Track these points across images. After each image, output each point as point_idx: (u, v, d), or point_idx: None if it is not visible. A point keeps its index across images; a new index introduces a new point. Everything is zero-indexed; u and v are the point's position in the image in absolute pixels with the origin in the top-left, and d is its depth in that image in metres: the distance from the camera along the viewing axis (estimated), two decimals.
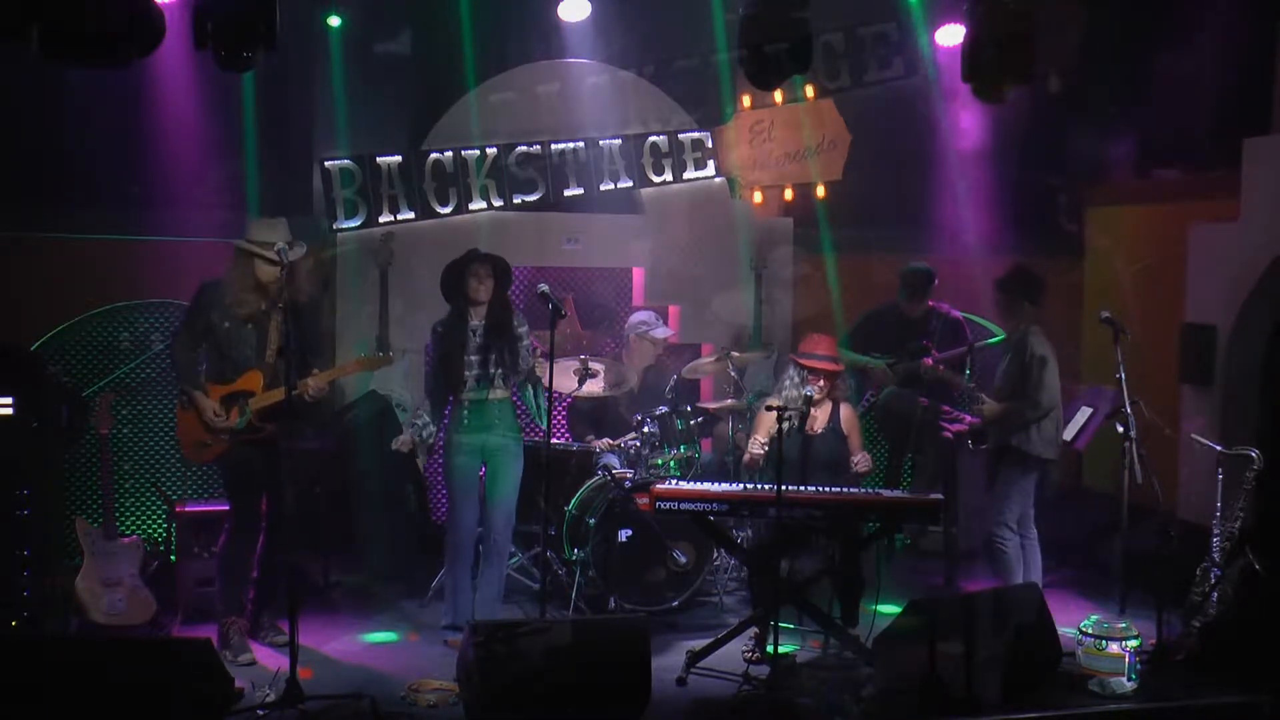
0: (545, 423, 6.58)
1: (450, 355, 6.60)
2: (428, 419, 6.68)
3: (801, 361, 6.79)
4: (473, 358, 6.60)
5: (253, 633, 6.45)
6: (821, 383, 6.73)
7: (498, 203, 8.30)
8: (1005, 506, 6.94)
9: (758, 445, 6.73)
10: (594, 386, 7.49)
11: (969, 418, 7.51)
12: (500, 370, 6.61)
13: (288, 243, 6.18)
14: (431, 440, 6.74)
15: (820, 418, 6.87)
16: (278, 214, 6.47)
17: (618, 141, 8.48)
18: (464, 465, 6.66)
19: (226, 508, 6.50)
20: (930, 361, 7.31)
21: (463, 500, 6.69)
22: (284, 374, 6.01)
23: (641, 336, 7.90)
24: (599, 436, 7.58)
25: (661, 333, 7.93)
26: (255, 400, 6.27)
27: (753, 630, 6.42)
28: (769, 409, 6.50)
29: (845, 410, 6.93)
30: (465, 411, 6.63)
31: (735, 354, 7.86)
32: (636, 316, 8.05)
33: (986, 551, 7.08)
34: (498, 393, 6.64)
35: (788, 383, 6.85)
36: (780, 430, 6.08)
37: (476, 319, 6.63)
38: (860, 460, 6.74)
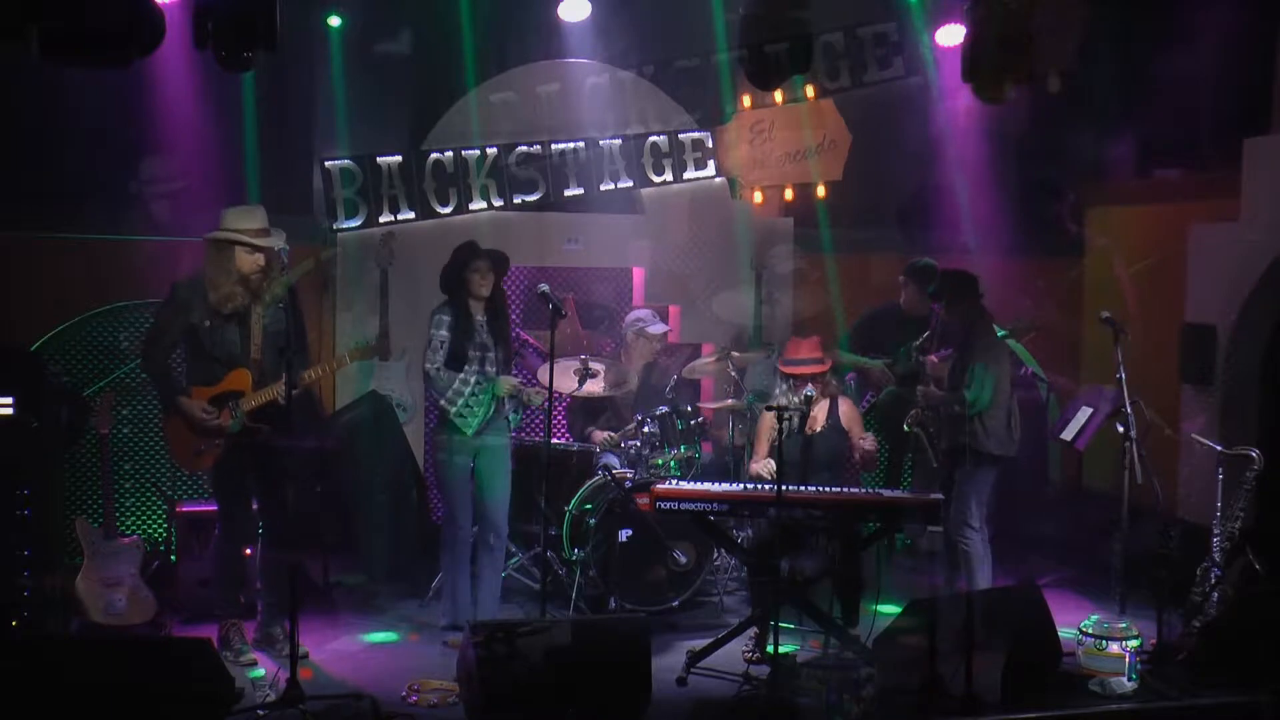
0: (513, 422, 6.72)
1: (460, 346, 6.61)
2: (459, 385, 6.62)
3: (786, 370, 6.80)
4: (482, 354, 6.63)
5: (265, 646, 6.41)
6: (809, 386, 6.73)
7: (498, 203, 8.30)
8: (966, 506, 6.91)
9: (760, 462, 6.76)
10: (594, 386, 7.50)
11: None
12: (497, 369, 6.63)
13: (265, 228, 6.16)
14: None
15: (818, 416, 6.88)
16: (279, 214, 6.43)
17: (618, 141, 8.48)
18: (458, 464, 6.68)
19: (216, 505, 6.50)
20: (935, 359, 7.33)
21: (458, 499, 6.71)
22: (275, 371, 5.97)
23: (639, 334, 7.90)
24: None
25: (657, 329, 7.92)
26: (246, 400, 6.19)
27: (753, 630, 6.43)
28: (768, 409, 6.51)
29: (844, 404, 6.95)
30: (463, 407, 6.64)
31: (735, 354, 7.86)
32: (633, 314, 8.05)
33: (951, 552, 7.05)
34: (488, 393, 6.67)
35: (778, 392, 6.87)
36: (780, 431, 6.09)
37: (479, 314, 6.66)
38: (863, 442, 6.72)
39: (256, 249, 6.12)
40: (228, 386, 6.21)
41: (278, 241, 6.14)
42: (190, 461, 6.35)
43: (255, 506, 6.53)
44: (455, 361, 6.64)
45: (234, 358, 6.22)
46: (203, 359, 6.24)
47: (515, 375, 6.88)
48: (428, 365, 6.66)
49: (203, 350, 6.22)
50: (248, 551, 6.58)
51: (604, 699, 5.55)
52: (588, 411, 7.77)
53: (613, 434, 7.53)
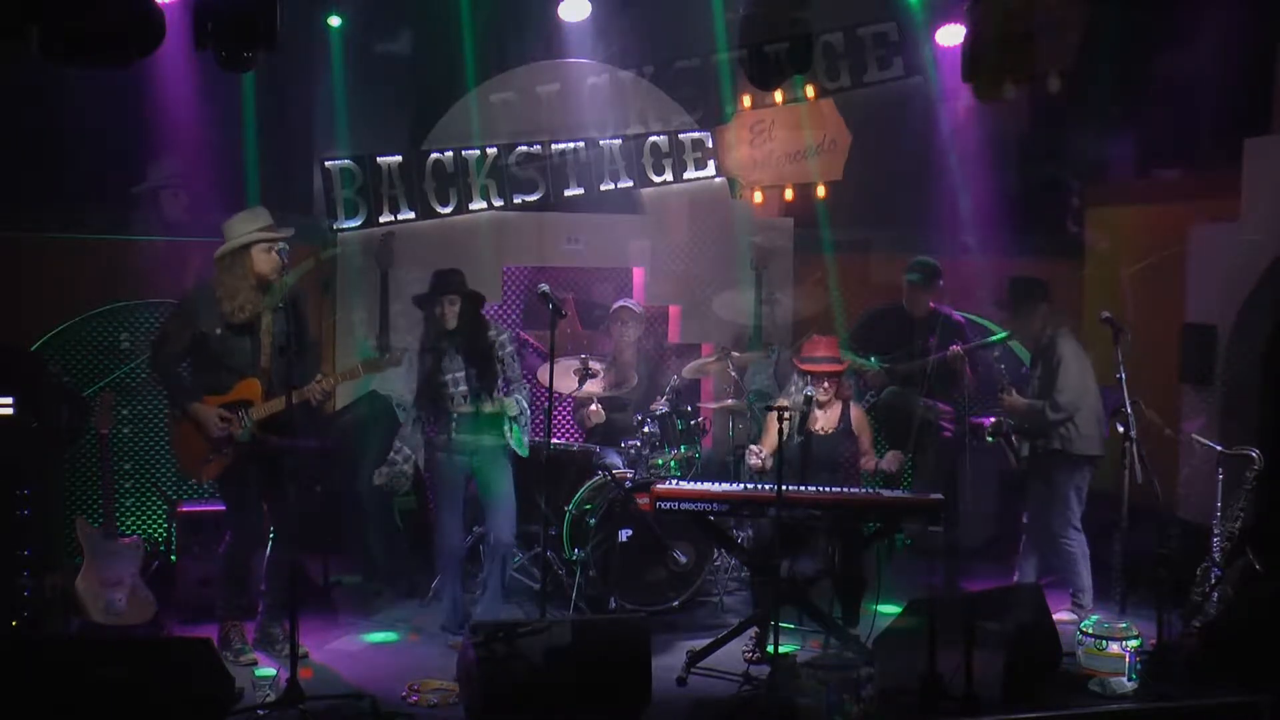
0: (523, 450, 6.72)
1: (432, 374, 6.65)
2: (406, 450, 6.70)
3: (803, 367, 6.82)
4: (458, 374, 6.62)
5: (265, 646, 6.40)
6: (826, 385, 6.76)
7: (498, 203, 8.30)
8: (1067, 508, 7.09)
9: (762, 454, 6.77)
10: (594, 386, 7.50)
11: (975, 419, 7.61)
12: (482, 386, 6.62)
13: (272, 224, 6.16)
14: (405, 479, 6.77)
15: (830, 418, 6.90)
16: (279, 214, 6.41)
17: (618, 141, 8.47)
18: (452, 468, 6.67)
19: (225, 511, 6.48)
20: (959, 348, 7.39)
21: (449, 504, 6.71)
22: (284, 375, 5.96)
23: (611, 318, 7.92)
24: (609, 443, 7.57)
25: (615, 305, 7.93)
26: (256, 410, 6.16)
27: (753, 630, 6.42)
28: (769, 409, 6.52)
29: (855, 411, 6.99)
30: (454, 421, 6.66)
31: (735, 354, 7.86)
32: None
33: (1054, 553, 7.22)
34: (488, 406, 6.66)
35: (793, 389, 6.90)
36: (781, 430, 6.09)
37: (448, 340, 6.66)
38: (889, 459, 6.81)
39: (272, 245, 6.11)
40: (238, 396, 6.18)
41: (289, 231, 6.17)
42: (198, 469, 6.29)
43: (264, 508, 6.52)
44: (432, 388, 6.67)
45: (244, 367, 6.20)
46: (212, 368, 6.21)
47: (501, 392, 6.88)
48: (413, 408, 6.75)
49: (212, 359, 6.19)
50: (251, 555, 6.56)
51: (604, 699, 5.55)
52: (602, 424, 7.75)
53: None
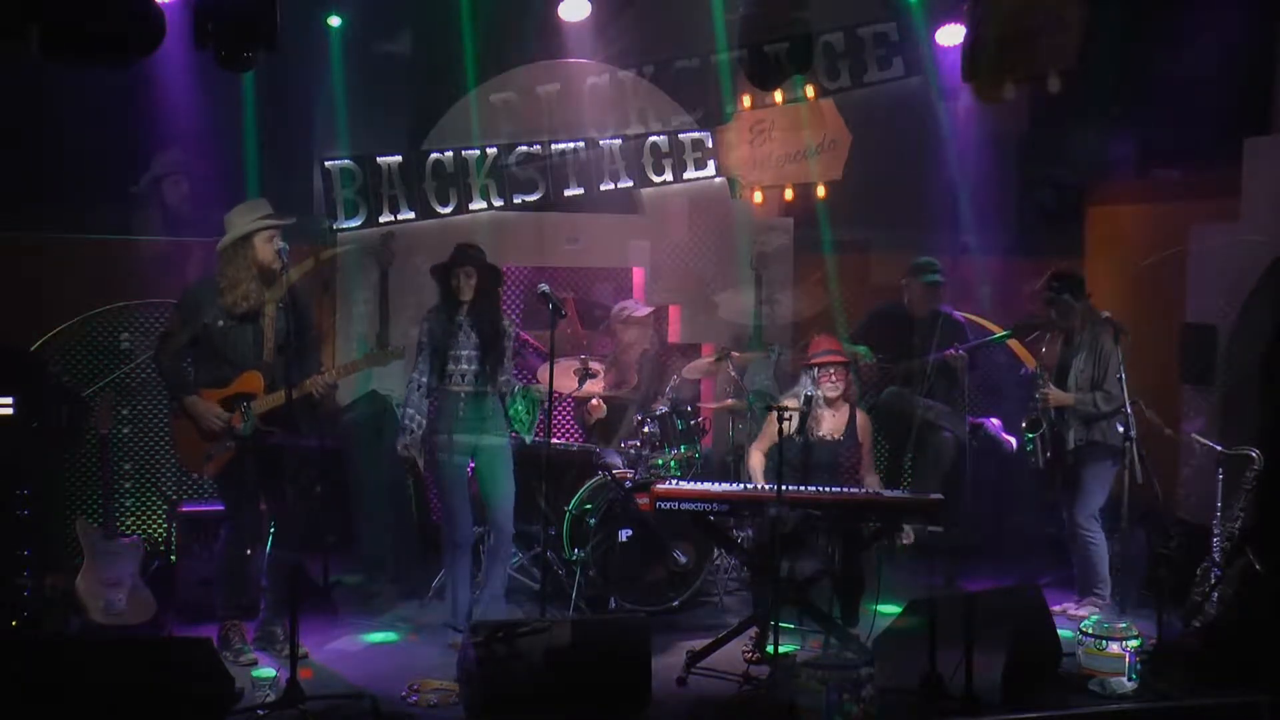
0: (528, 433, 6.72)
1: (440, 346, 6.61)
2: (416, 415, 6.62)
3: (812, 361, 6.84)
4: (470, 353, 6.61)
5: (265, 646, 6.39)
6: (834, 379, 6.77)
7: (498, 203, 8.30)
8: (1092, 500, 7.14)
9: (757, 457, 6.78)
10: (594, 386, 7.50)
11: (975, 419, 7.63)
12: (489, 369, 6.62)
13: (269, 215, 6.16)
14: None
15: (837, 423, 6.91)
16: (279, 214, 6.42)
17: (618, 141, 8.47)
18: (456, 464, 6.66)
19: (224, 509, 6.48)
20: (959, 350, 7.40)
21: (457, 499, 6.69)
22: (284, 372, 5.97)
23: (625, 321, 7.90)
24: (609, 443, 7.57)
25: (641, 311, 7.92)
26: (258, 403, 6.17)
27: (753, 630, 6.42)
28: (770, 409, 6.53)
29: (862, 417, 7.00)
30: (460, 406, 6.63)
31: (735, 354, 7.86)
32: (617, 305, 8.08)
33: (1074, 544, 7.24)
34: (490, 388, 6.66)
35: (805, 391, 6.90)
36: (781, 430, 6.09)
37: (463, 314, 6.65)
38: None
39: (274, 233, 6.12)
40: (239, 389, 6.18)
41: (291, 218, 6.19)
42: (198, 464, 6.30)
43: (262, 507, 6.52)
44: (438, 364, 6.63)
45: (246, 359, 6.21)
46: (214, 361, 6.21)
47: (510, 375, 6.87)
48: (414, 373, 6.67)
49: (215, 352, 6.20)
50: (247, 551, 6.56)
51: (604, 699, 5.55)
52: (602, 421, 7.75)
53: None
